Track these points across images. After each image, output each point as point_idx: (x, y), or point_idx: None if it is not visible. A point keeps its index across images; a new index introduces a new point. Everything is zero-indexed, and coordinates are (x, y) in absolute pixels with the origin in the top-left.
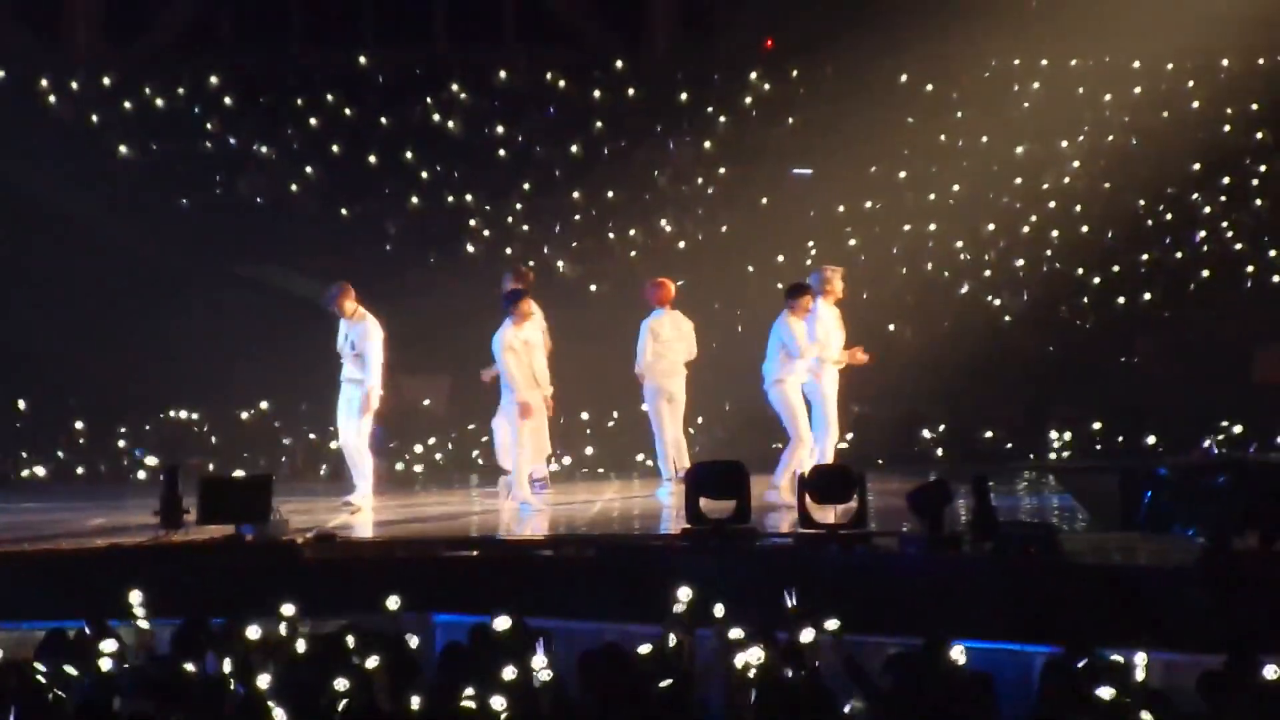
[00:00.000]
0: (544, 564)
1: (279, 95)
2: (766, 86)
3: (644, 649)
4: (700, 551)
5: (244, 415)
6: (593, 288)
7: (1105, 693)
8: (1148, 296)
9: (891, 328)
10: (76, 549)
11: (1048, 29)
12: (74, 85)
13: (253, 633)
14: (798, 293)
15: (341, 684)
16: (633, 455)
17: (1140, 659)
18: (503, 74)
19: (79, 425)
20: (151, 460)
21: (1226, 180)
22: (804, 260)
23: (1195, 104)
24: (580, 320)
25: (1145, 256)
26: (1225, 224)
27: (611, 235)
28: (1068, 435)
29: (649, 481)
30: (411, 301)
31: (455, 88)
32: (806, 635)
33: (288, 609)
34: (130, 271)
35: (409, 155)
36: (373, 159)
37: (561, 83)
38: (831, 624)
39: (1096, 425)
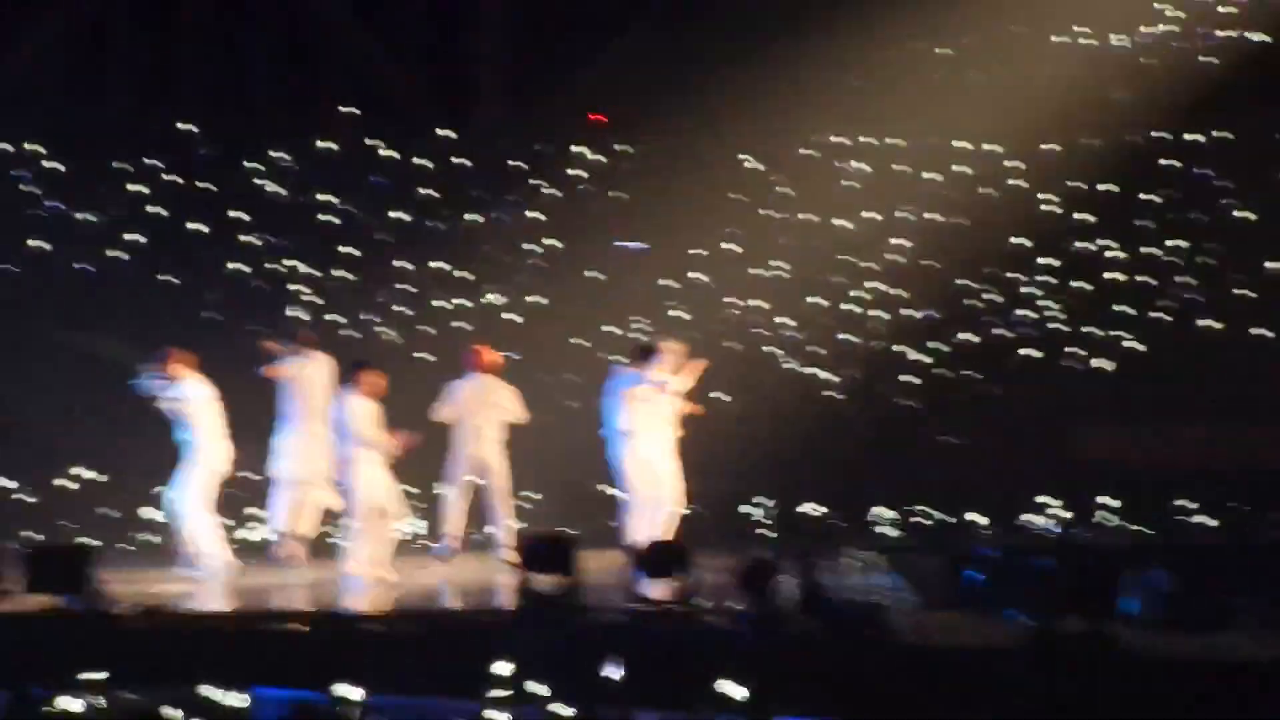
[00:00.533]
0: (370, 638)
1: (100, 159)
2: (593, 159)
3: None
4: (528, 627)
5: (65, 483)
6: (416, 355)
7: None
8: (970, 374)
9: (720, 402)
10: None
11: (869, 107)
12: None
13: (72, 704)
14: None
15: None
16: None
17: None
18: (324, 142)
19: None
20: None
21: (1048, 260)
22: (629, 333)
23: (1017, 184)
24: (404, 388)
25: (968, 335)
26: (1047, 303)
27: (436, 304)
28: (894, 514)
29: (481, 554)
30: (233, 369)
31: (278, 153)
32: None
33: (96, 677)
34: None
35: (230, 220)
36: (193, 224)
37: (386, 151)
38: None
39: (921, 503)
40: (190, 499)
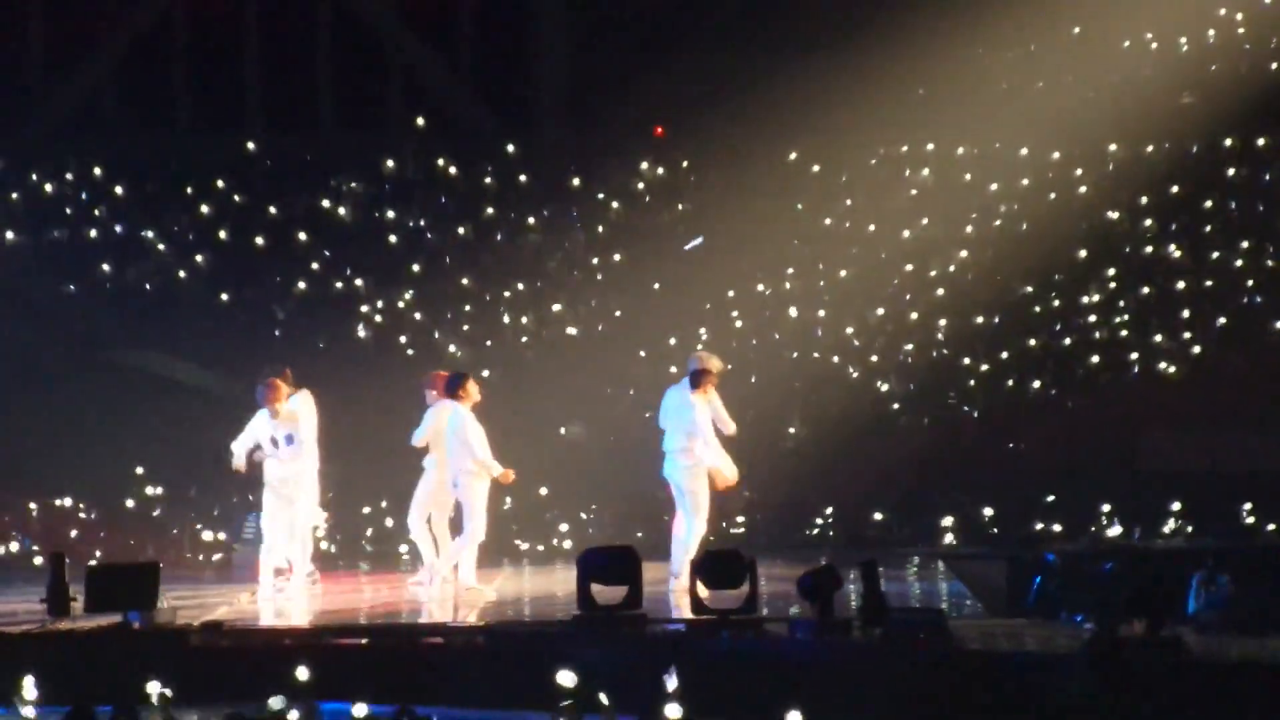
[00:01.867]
0: (433, 651)
1: (167, 181)
2: (657, 172)
3: None
4: (590, 638)
5: (129, 503)
6: (485, 373)
7: None
8: (1035, 383)
9: (780, 412)
10: None
11: (935, 117)
12: None
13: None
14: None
15: None
16: (525, 540)
17: None
18: (390, 162)
19: None
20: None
21: (1113, 268)
22: (694, 344)
23: (1082, 191)
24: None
25: (1032, 343)
26: (1112, 310)
27: (504, 320)
28: (956, 521)
29: (541, 567)
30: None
31: (344, 174)
32: None
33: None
34: (14, 359)
35: (298, 241)
36: (261, 244)
37: (451, 169)
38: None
39: (985, 511)
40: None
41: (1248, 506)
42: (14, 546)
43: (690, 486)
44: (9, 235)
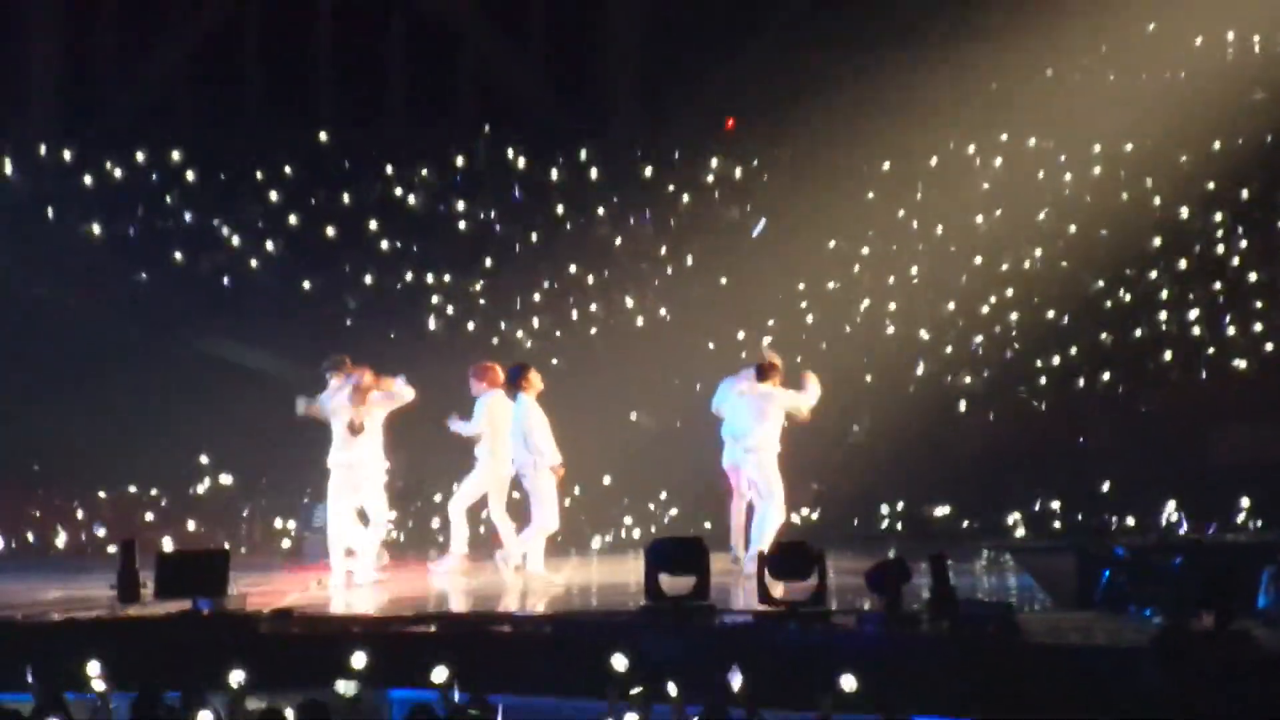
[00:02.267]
0: (502, 639)
1: (239, 170)
2: (727, 165)
3: None
4: (658, 628)
5: (200, 490)
6: (553, 362)
7: None
8: (1106, 377)
9: (849, 405)
10: (32, 621)
11: (1007, 111)
12: (35, 157)
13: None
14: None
15: None
16: (593, 530)
17: None
18: (461, 155)
19: (34, 499)
20: (104, 533)
21: (1184, 262)
22: (762, 336)
23: (1153, 185)
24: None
25: (1103, 337)
26: (1184, 305)
27: (572, 311)
28: (1025, 515)
29: (611, 557)
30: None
31: (415, 164)
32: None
33: (238, 678)
34: (86, 347)
35: (369, 230)
36: (333, 234)
37: (521, 161)
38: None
39: (1054, 505)
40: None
41: None
42: (86, 534)
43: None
44: (82, 225)
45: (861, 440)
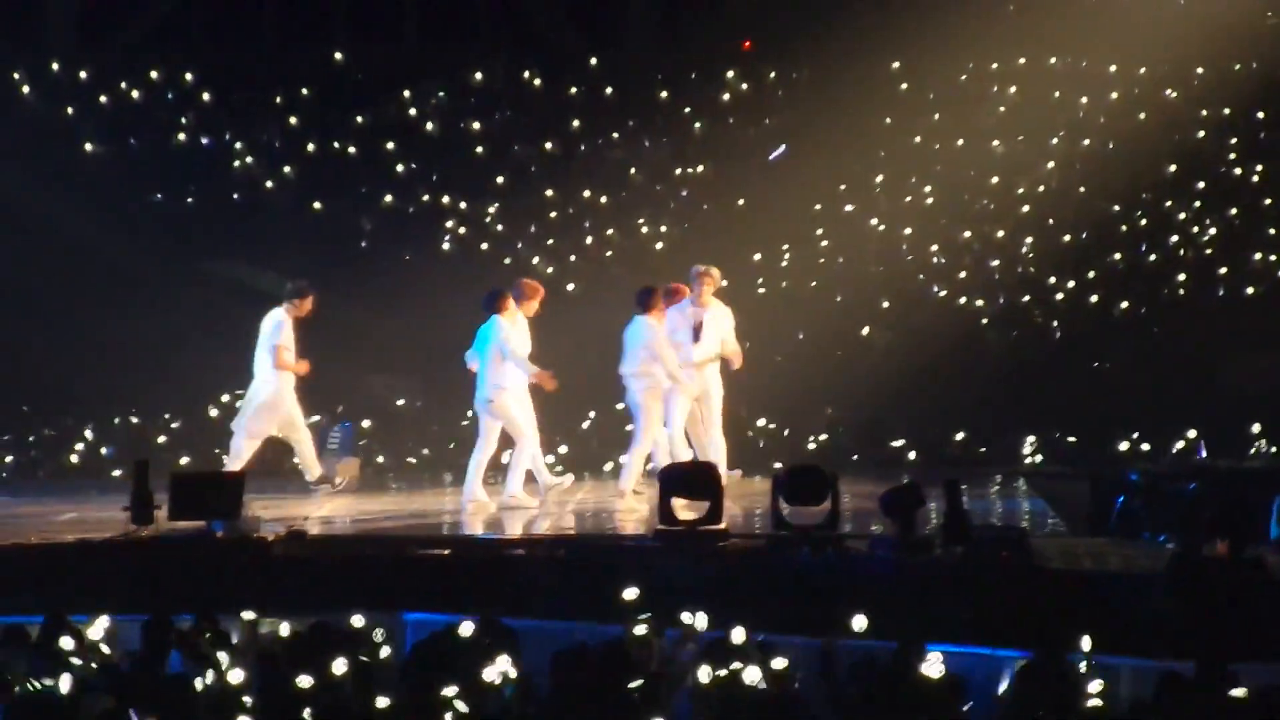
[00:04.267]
0: (515, 564)
1: (254, 92)
2: (743, 86)
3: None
4: (671, 552)
5: (213, 412)
6: (569, 287)
7: (1092, 702)
8: (1121, 301)
9: (864, 330)
10: (45, 543)
11: (1024, 32)
12: (50, 77)
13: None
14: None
15: (308, 682)
16: (607, 455)
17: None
18: (478, 75)
19: (46, 421)
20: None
21: (1201, 186)
22: (779, 261)
23: (1170, 108)
24: (555, 319)
25: (1119, 260)
26: (1199, 230)
27: (587, 234)
28: (1040, 440)
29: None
30: (386, 299)
31: (430, 85)
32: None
33: (251, 611)
34: (99, 267)
35: (384, 152)
36: (348, 156)
37: (537, 81)
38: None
39: (1068, 430)
40: None
41: None
42: (97, 455)
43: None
44: (92, 145)
45: (876, 364)
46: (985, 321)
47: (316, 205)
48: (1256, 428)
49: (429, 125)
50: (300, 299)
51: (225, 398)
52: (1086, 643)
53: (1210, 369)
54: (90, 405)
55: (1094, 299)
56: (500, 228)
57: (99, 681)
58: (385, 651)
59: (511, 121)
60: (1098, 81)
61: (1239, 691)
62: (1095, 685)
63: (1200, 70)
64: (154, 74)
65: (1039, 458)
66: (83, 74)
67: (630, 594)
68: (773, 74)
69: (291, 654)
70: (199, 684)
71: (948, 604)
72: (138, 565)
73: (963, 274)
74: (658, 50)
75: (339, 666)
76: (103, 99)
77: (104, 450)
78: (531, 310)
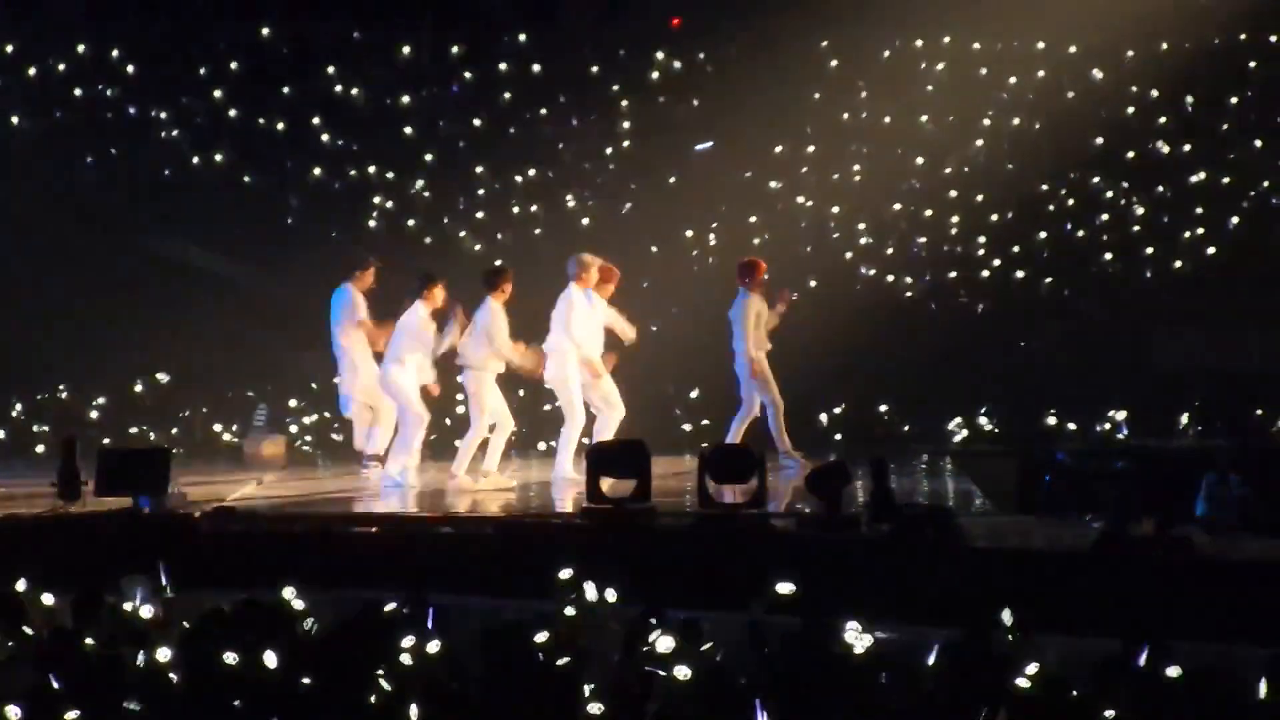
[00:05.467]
0: (442, 541)
1: (181, 66)
2: (673, 64)
3: (542, 636)
4: (599, 530)
5: (139, 388)
6: (497, 263)
7: (1023, 682)
8: (1048, 279)
9: (793, 307)
10: None
11: (951, 10)
12: None
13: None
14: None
15: (234, 658)
16: (537, 434)
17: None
18: (406, 50)
19: None
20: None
21: (1128, 164)
22: (708, 238)
23: (1099, 87)
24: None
25: (1046, 239)
26: (1126, 208)
27: (515, 210)
28: (966, 419)
29: (549, 461)
30: (313, 276)
31: (358, 60)
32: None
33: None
34: (25, 242)
35: (311, 127)
36: (275, 131)
37: (466, 57)
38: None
39: (995, 409)
40: None
41: (1259, 408)
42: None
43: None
44: (24, 118)
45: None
46: (912, 299)
47: (245, 179)
48: (1187, 404)
49: (356, 100)
50: (361, 271)
51: (162, 376)
52: (1010, 619)
53: (1138, 347)
54: (18, 381)
55: (1021, 277)
56: (428, 204)
57: (21, 653)
58: (312, 627)
59: (439, 97)
60: (1026, 59)
61: (1173, 671)
62: (1031, 667)
63: (1129, 49)
64: (80, 48)
65: (966, 436)
66: (9, 47)
67: (561, 572)
68: (702, 52)
69: (218, 630)
70: (127, 658)
71: (874, 581)
72: (65, 541)
73: (890, 252)
74: (588, 26)
75: (265, 643)
76: (30, 71)
77: (34, 427)
78: (606, 292)
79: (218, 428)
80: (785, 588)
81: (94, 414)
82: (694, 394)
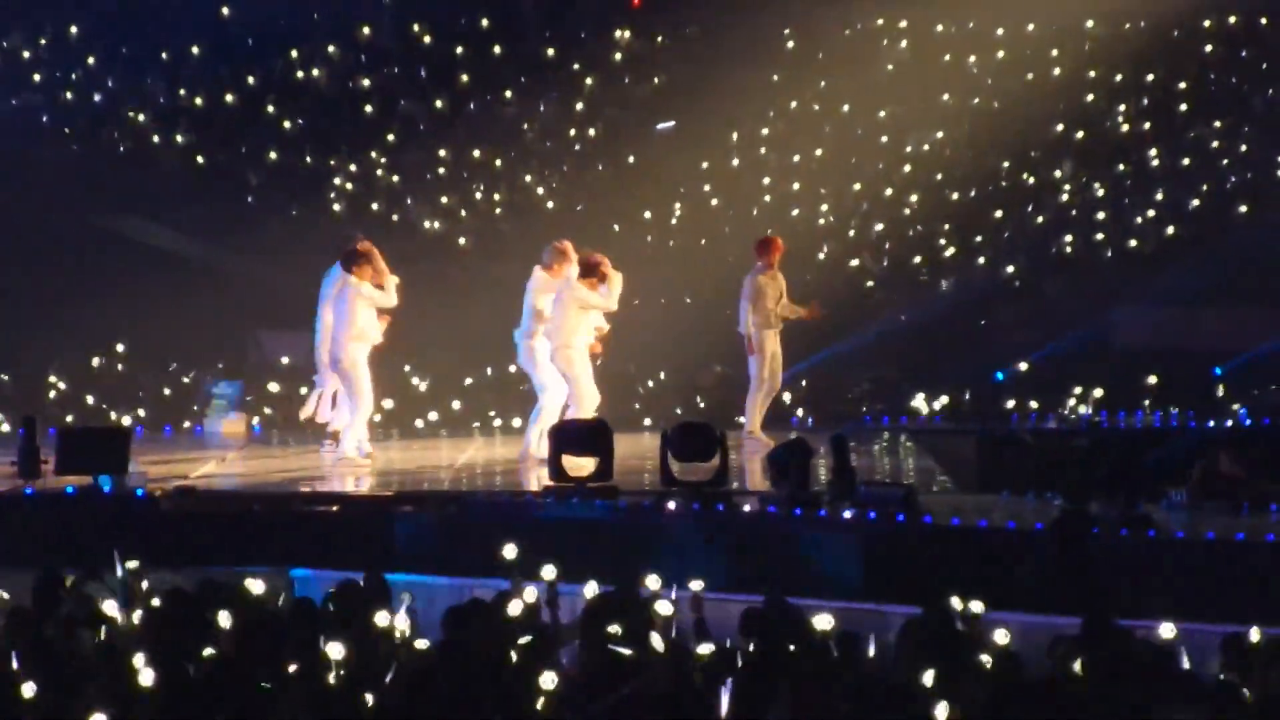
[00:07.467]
0: (404, 520)
1: (142, 46)
2: (633, 44)
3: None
4: (561, 508)
5: (97, 365)
6: (461, 241)
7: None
8: (1009, 261)
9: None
10: None
11: None
12: None
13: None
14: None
15: (196, 637)
16: (497, 411)
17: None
18: (366, 30)
19: None
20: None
21: (1088, 145)
22: (670, 218)
23: (1058, 69)
24: (445, 276)
25: (1006, 218)
26: (1086, 188)
27: (477, 191)
28: (927, 397)
29: (511, 438)
30: (272, 255)
31: (319, 41)
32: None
33: (134, 562)
34: None
35: (271, 108)
36: (236, 111)
37: (426, 37)
38: (695, 584)
39: (956, 387)
40: None
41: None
42: None
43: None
44: None
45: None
46: (872, 281)
47: (200, 159)
48: (1148, 383)
49: (317, 79)
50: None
51: (122, 354)
52: (975, 602)
53: (1099, 326)
54: None
55: (982, 258)
56: (390, 184)
57: None
58: (272, 607)
59: (400, 78)
60: (985, 41)
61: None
62: (1001, 636)
63: (1090, 29)
64: (41, 28)
65: (926, 414)
66: None
67: (516, 551)
68: (661, 32)
69: (178, 610)
70: (86, 638)
71: (836, 559)
72: (25, 520)
73: (851, 233)
74: (548, 7)
75: (225, 622)
76: None
77: None
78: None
79: (178, 406)
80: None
81: (53, 393)
82: (661, 375)
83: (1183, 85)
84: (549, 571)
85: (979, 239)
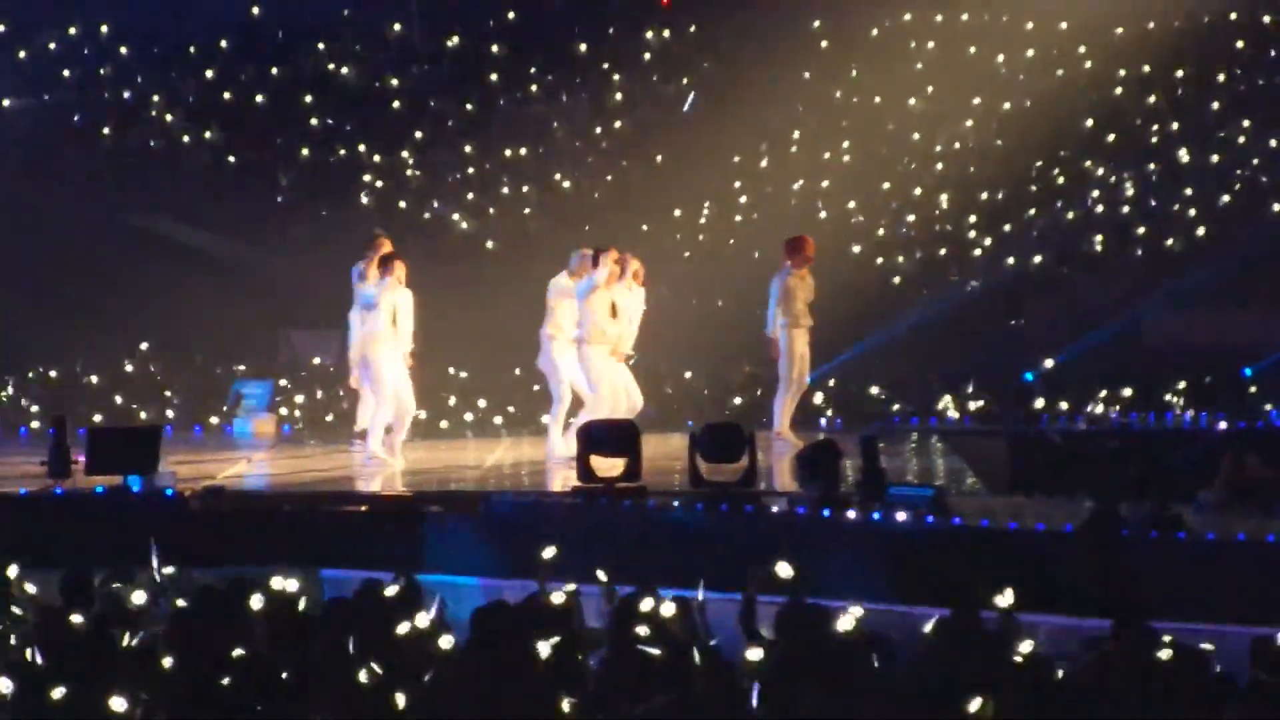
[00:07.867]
0: (433, 520)
1: (173, 44)
2: (663, 42)
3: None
4: (590, 509)
5: (129, 367)
6: (489, 244)
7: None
8: (1038, 258)
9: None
10: None
11: None
12: None
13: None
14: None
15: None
16: (527, 411)
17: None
18: (396, 28)
19: None
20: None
21: (1118, 143)
22: (699, 217)
23: (1088, 66)
24: (473, 274)
25: (1036, 217)
26: (1116, 187)
27: (506, 189)
28: (957, 397)
29: (540, 438)
30: (302, 254)
31: (349, 38)
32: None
33: (169, 564)
34: (17, 222)
35: (302, 105)
36: (265, 109)
37: (456, 35)
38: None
39: (986, 388)
40: None
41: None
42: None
43: None
44: (15, 98)
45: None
46: (901, 278)
47: (231, 158)
48: (1173, 383)
49: (346, 78)
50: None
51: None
52: (1003, 600)
53: (1129, 325)
54: (10, 359)
55: (1012, 257)
56: (419, 182)
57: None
58: (302, 608)
59: (430, 75)
60: (1016, 38)
61: (1163, 654)
62: (1026, 645)
63: (1119, 28)
64: (72, 28)
65: (957, 415)
66: (1, 27)
67: (548, 552)
68: (692, 29)
69: (209, 610)
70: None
71: (865, 560)
72: (56, 520)
73: (881, 231)
74: (577, 5)
75: (257, 623)
76: (21, 54)
77: (23, 403)
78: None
79: (207, 406)
80: (781, 569)
81: (84, 393)
82: (681, 378)
83: (1213, 81)
84: (601, 574)
85: (1009, 237)
